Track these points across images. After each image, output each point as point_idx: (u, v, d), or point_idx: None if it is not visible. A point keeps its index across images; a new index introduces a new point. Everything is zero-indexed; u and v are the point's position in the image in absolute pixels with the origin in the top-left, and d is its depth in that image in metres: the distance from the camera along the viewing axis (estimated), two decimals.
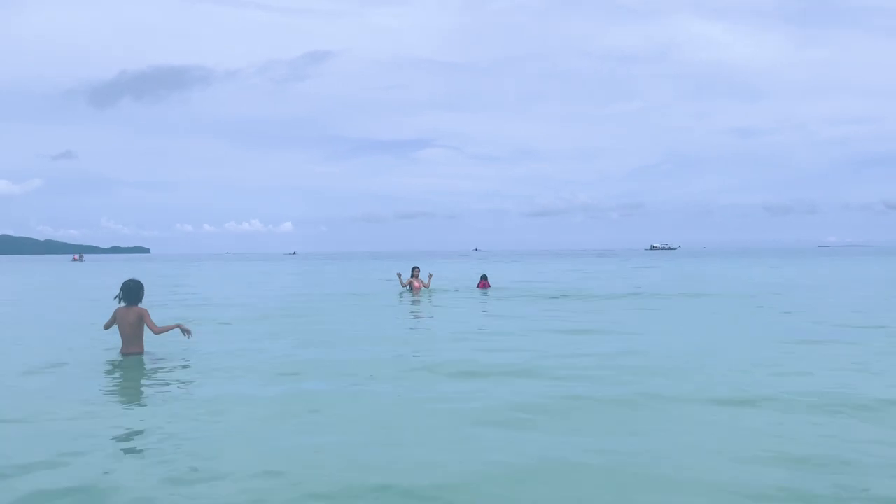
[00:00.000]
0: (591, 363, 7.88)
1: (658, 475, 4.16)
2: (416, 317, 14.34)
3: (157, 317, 8.48)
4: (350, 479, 4.12)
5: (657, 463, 4.35)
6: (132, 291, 8.35)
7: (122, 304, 8.36)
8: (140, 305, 8.40)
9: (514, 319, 13.12)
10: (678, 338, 10.28)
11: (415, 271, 20.32)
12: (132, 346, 8.31)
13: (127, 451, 4.69)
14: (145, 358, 8.22)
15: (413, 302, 17.42)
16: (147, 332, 8.32)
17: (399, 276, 20.38)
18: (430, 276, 20.81)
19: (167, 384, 6.91)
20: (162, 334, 8.39)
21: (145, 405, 6.13)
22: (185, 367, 7.82)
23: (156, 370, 7.65)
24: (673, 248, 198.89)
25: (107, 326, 8.55)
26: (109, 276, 38.03)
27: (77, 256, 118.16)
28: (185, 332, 8.33)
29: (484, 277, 22.37)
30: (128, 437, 5.04)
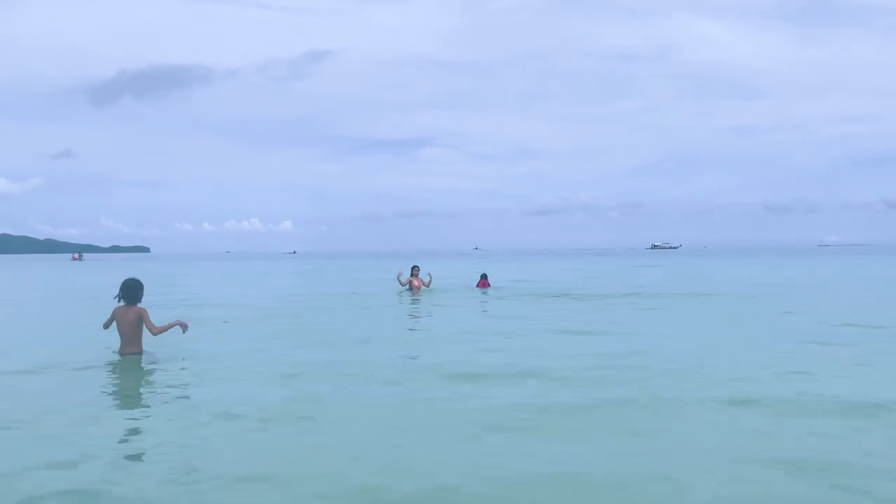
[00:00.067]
0: (593, 364, 7.86)
1: (661, 480, 4.12)
2: (417, 317, 14.31)
3: (156, 317, 8.45)
4: (350, 482, 4.10)
5: (660, 468, 4.32)
6: (131, 291, 8.32)
7: (122, 304, 8.34)
8: (139, 305, 8.39)
9: (514, 319, 13.09)
10: (679, 338, 10.25)
11: (415, 270, 20.29)
12: (131, 345, 8.28)
13: (125, 455, 4.65)
14: (144, 358, 8.20)
15: (413, 301, 17.39)
16: (146, 332, 8.29)
17: (399, 274, 20.35)
18: (430, 276, 20.78)
19: (166, 386, 6.87)
20: (161, 334, 8.35)
21: (144, 407, 6.11)
22: (183, 367, 7.80)
23: (154, 371, 7.63)
24: (674, 248, 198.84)
25: (106, 325, 8.52)
26: (109, 276, 37.97)
27: (76, 256, 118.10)
28: (183, 326, 8.33)
29: (484, 277, 22.35)
30: (126, 440, 5.02)
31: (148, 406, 6.14)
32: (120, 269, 50.79)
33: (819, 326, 11.64)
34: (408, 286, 19.87)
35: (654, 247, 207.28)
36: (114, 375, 7.49)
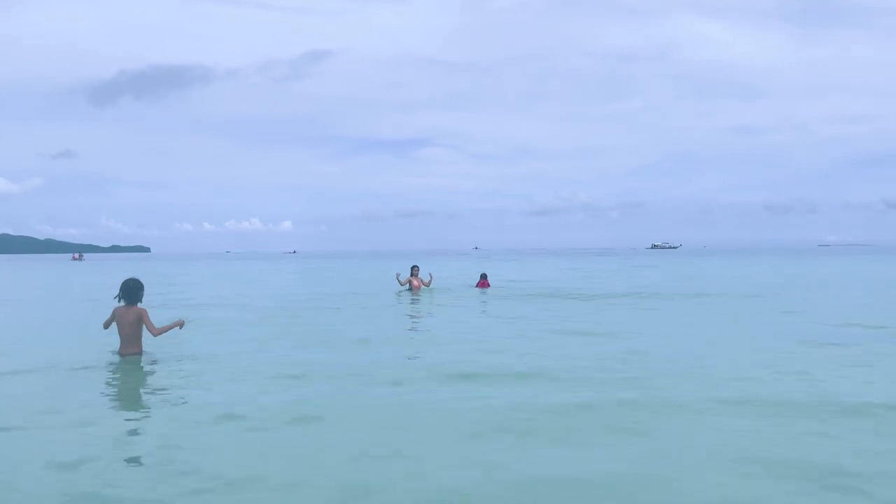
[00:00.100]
0: (593, 365, 7.84)
1: (661, 483, 4.11)
2: (416, 317, 14.29)
3: (156, 317, 8.44)
4: (350, 484, 4.08)
5: (661, 471, 4.30)
6: (131, 291, 8.30)
7: (122, 304, 8.32)
8: (140, 305, 8.37)
9: (514, 319, 13.07)
10: (680, 339, 10.23)
11: (414, 270, 20.27)
12: (130, 346, 8.27)
13: (125, 457, 4.63)
14: (143, 358, 8.19)
15: (412, 301, 17.37)
16: (147, 333, 8.27)
17: (397, 276, 20.34)
18: (431, 276, 20.76)
19: (166, 387, 6.86)
20: (162, 335, 8.34)
21: (143, 408, 6.10)
22: (183, 368, 7.77)
23: (154, 371, 7.62)
24: (674, 247, 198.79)
25: (106, 325, 8.51)
26: (108, 276, 37.93)
27: (76, 256, 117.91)
28: (179, 325, 8.34)
29: (483, 277, 22.32)
30: (126, 441, 5.00)
31: (148, 407, 6.13)
32: (120, 269, 50.74)
33: (819, 327, 11.62)
34: (407, 286, 19.85)
35: (654, 247, 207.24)
36: (113, 376, 7.47)
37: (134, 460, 4.54)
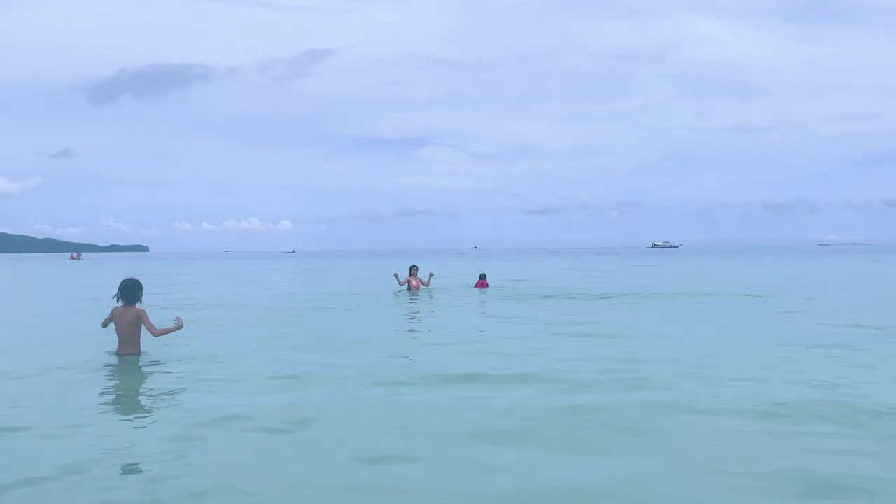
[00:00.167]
0: (594, 367, 7.78)
1: (662, 490, 4.04)
2: (415, 318, 14.24)
3: (154, 317, 8.37)
4: (349, 488, 4.04)
5: (661, 478, 4.23)
6: (130, 291, 8.24)
7: (120, 304, 8.25)
8: (138, 305, 8.29)
9: (513, 320, 13.03)
10: (681, 340, 10.18)
11: (413, 270, 20.18)
12: (129, 346, 8.20)
13: (121, 461, 4.54)
14: (141, 359, 8.13)
15: (411, 301, 17.30)
16: (145, 333, 8.20)
17: (396, 276, 20.25)
18: (431, 275, 20.66)
19: (164, 389, 6.78)
20: (162, 336, 8.26)
21: (140, 412, 6.04)
22: (182, 369, 7.71)
23: (152, 373, 7.55)
24: (674, 247, 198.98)
25: (104, 324, 8.48)
26: (106, 275, 37.89)
27: (75, 255, 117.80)
28: (179, 326, 8.27)
29: (483, 277, 22.23)
30: (122, 446, 4.89)
31: (145, 409, 6.08)
32: (118, 269, 50.74)
33: (821, 327, 11.59)
34: (406, 286, 19.76)
35: (655, 246, 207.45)
36: (112, 377, 7.41)
37: (131, 463, 4.48)
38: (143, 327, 8.19)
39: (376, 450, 4.75)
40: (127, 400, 6.48)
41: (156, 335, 8.11)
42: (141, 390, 6.87)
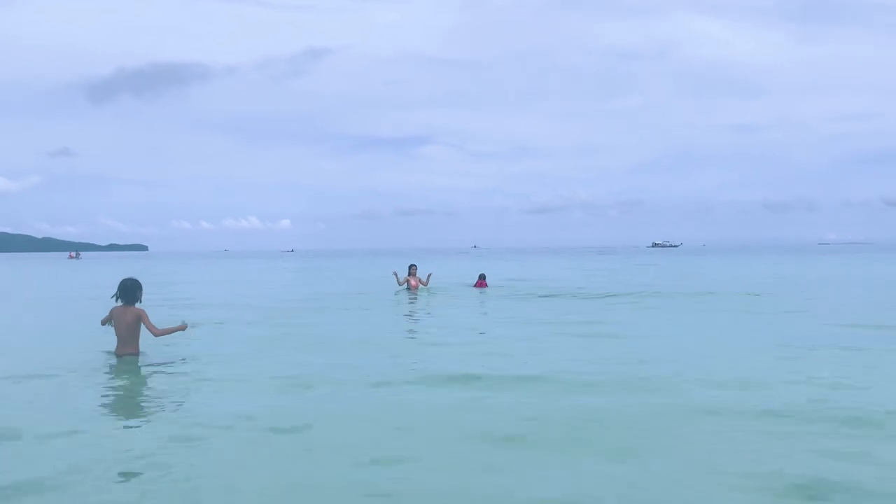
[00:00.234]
0: (594, 368, 7.74)
1: (663, 497, 3.99)
2: (415, 318, 14.21)
3: (154, 317, 8.32)
4: (347, 494, 3.99)
5: (661, 483, 4.18)
6: (129, 291, 8.20)
7: (120, 304, 8.19)
8: (138, 306, 8.23)
9: (513, 321, 13.00)
10: (682, 341, 10.17)
11: (412, 269, 20.11)
12: (128, 346, 8.16)
13: (117, 464, 4.47)
14: (140, 360, 8.09)
15: (410, 301, 17.26)
16: (144, 333, 8.15)
17: (395, 274, 20.18)
18: (430, 275, 20.58)
19: (161, 391, 6.72)
20: (163, 336, 8.21)
21: (138, 414, 5.98)
22: (179, 371, 7.65)
23: (150, 374, 7.50)
24: (675, 246, 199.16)
25: (103, 323, 8.45)
26: (105, 274, 37.85)
27: (73, 254, 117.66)
28: (182, 329, 8.23)
29: (482, 277, 22.16)
30: (119, 449, 4.80)
31: (143, 411, 6.04)
32: (116, 268, 50.72)
33: (822, 327, 11.56)
34: (405, 285, 19.70)
35: (655, 245, 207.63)
36: (110, 378, 7.36)
37: (130, 465, 4.43)
38: (143, 327, 8.14)
39: (376, 451, 4.71)
40: (126, 401, 6.44)
41: (156, 335, 8.07)
42: (140, 391, 6.83)
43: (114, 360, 8.06)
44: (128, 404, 6.33)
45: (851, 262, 47.21)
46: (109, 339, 8.52)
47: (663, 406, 5.88)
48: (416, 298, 17.80)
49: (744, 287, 21.96)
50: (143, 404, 6.30)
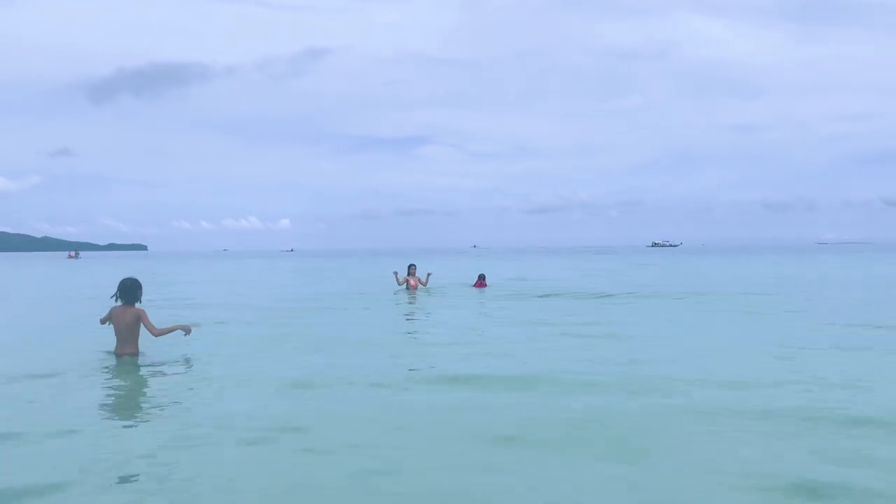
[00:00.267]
0: (595, 369, 7.73)
1: (664, 498, 3.98)
2: (414, 319, 14.19)
3: (153, 318, 8.28)
4: (347, 498, 3.97)
5: (662, 488, 4.14)
6: (129, 290, 8.17)
7: (119, 303, 8.17)
8: (138, 305, 8.20)
9: (513, 321, 12.98)
10: (683, 342, 10.17)
11: (411, 269, 20.08)
12: (127, 346, 8.14)
13: (114, 467, 4.41)
14: (139, 360, 8.06)
15: (409, 301, 17.24)
16: (143, 333, 8.13)
17: (395, 274, 20.14)
18: (429, 275, 20.55)
19: (161, 393, 6.68)
20: (162, 336, 8.18)
21: (136, 417, 5.93)
22: (178, 372, 7.63)
23: (149, 376, 7.47)
24: (674, 245, 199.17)
25: (102, 321, 8.44)
26: (104, 274, 37.81)
27: (72, 254, 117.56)
28: (185, 330, 8.19)
29: (481, 277, 22.13)
30: (115, 452, 4.75)
31: (143, 412, 6.02)
32: (115, 267, 50.69)
33: (822, 327, 11.54)
34: (404, 285, 19.66)
35: (655, 245, 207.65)
36: (109, 378, 7.33)
37: (128, 467, 4.40)
38: (142, 327, 8.11)
39: (376, 452, 4.70)
40: (125, 401, 6.42)
41: (156, 335, 8.04)
42: (139, 391, 6.81)
43: (113, 360, 8.04)
44: (127, 405, 6.31)
45: (851, 262, 47.17)
46: (108, 338, 8.49)
47: (663, 407, 5.87)
48: (415, 299, 17.77)
49: (744, 287, 21.97)
50: (142, 405, 6.28)
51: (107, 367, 7.78)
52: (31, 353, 9.12)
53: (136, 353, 8.16)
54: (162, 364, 7.90)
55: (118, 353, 8.14)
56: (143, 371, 7.65)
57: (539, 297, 18.46)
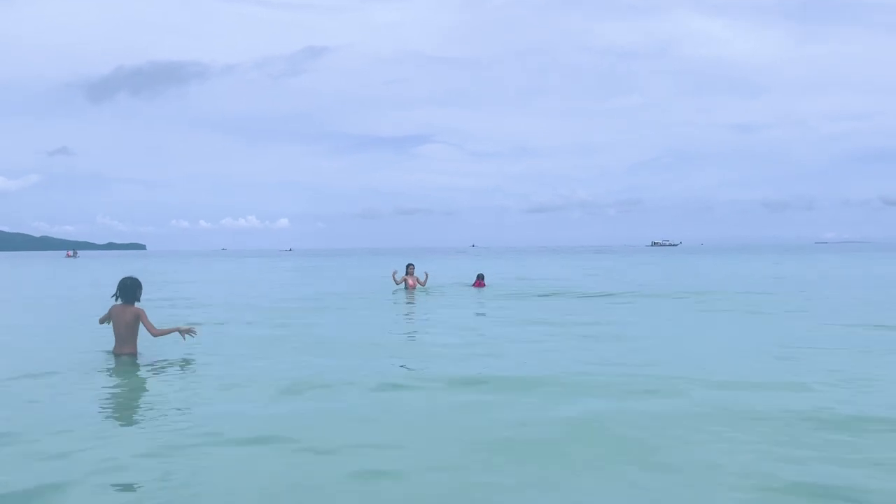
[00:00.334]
0: (595, 370, 7.70)
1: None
2: (413, 319, 14.18)
3: (152, 317, 8.26)
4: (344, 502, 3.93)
5: (662, 491, 4.11)
6: (129, 290, 8.15)
7: (119, 303, 8.15)
8: (137, 305, 8.17)
9: (512, 321, 12.97)
10: (683, 342, 10.17)
11: (409, 268, 20.05)
12: (125, 346, 8.12)
13: (110, 470, 4.37)
14: (138, 360, 8.04)
15: (408, 301, 17.22)
16: (142, 333, 8.10)
17: (394, 274, 20.10)
18: (427, 274, 20.52)
19: (159, 394, 6.63)
20: (161, 336, 8.14)
21: (134, 419, 5.90)
22: (178, 373, 7.61)
23: (148, 375, 7.44)
24: (674, 245, 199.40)
25: (101, 321, 8.42)
26: (102, 273, 37.76)
27: (71, 253, 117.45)
28: (185, 333, 8.12)
29: (480, 277, 22.10)
30: (115, 457, 4.67)
31: (141, 414, 6.00)
32: (113, 267, 50.62)
33: (822, 328, 11.52)
34: (403, 285, 19.62)
35: (654, 244, 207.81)
36: (107, 379, 7.31)
37: (125, 468, 4.38)
38: (141, 327, 8.08)
39: (375, 453, 4.69)
40: (123, 402, 6.40)
41: (155, 335, 8.02)
42: (138, 392, 6.78)
43: (112, 360, 8.02)
44: (126, 405, 6.29)
45: (850, 262, 47.19)
46: (107, 338, 8.47)
47: (663, 407, 5.86)
48: (413, 299, 17.73)
49: (743, 286, 21.96)
50: (141, 405, 6.26)
51: (105, 367, 7.76)
52: (30, 353, 9.09)
53: (134, 353, 8.14)
54: (161, 364, 7.88)
55: (117, 353, 8.11)
56: (141, 371, 7.62)
57: (538, 296, 18.44)
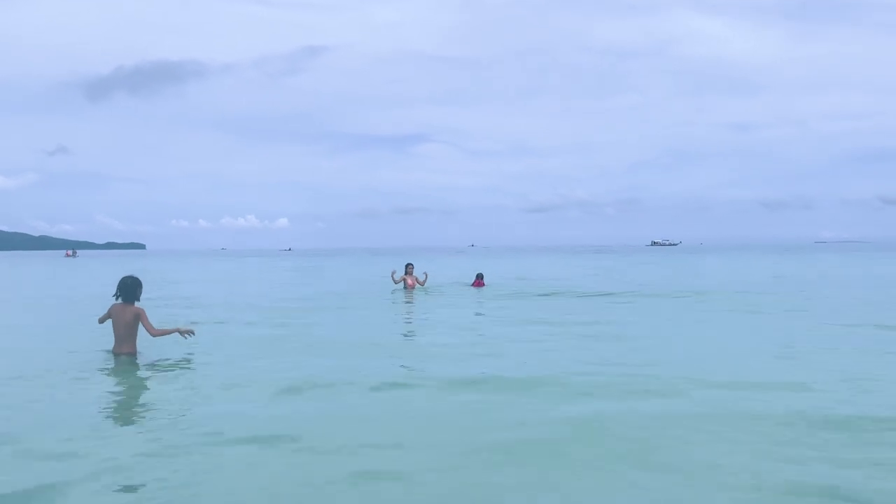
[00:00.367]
0: (594, 370, 7.70)
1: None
2: (412, 319, 14.18)
3: (151, 317, 8.24)
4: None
5: (663, 490, 4.12)
6: (129, 289, 8.14)
7: (119, 302, 8.13)
8: (137, 304, 8.16)
9: (511, 321, 12.97)
10: (684, 343, 10.17)
11: (409, 268, 20.03)
12: (125, 345, 8.11)
13: (112, 474, 4.35)
14: (137, 360, 8.03)
15: (407, 301, 17.20)
16: (142, 332, 8.09)
17: (393, 273, 20.09)
18: (426, 274, 20.51)
19: (158, 395, 6.63)
20: (161, 336, 8.13)
21: (133, 419, 5.89)
22: (177, 373, 7.59)
23: (148, 375, 7.44)
24: (674, 244, 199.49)
25: (101, 320, 8.41)
26: (102, 273, 37.73)
27: (70, 252, 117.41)
28: (185, 333, 8.11)
29: (479, 276, 22.09)
30: (113, 458, 4.66)
31: (140, 414, 6.00)
32: (113, 266, 50.57)
33: (822, 328, 11.55)
34: (402, 284, 19.61)
35: (654, 244, 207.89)
36: (106, 379, 7.31)
37: (124, 468, 4.37)
38: (140, 326, 8.07)
39: (375, 454, 4.69)
40: (122, 402, 6.39)
41: (154, 335, 8.01)
42: (137, 392, 6.78)
43: (111, 360, 8.01)
44: (125, 405, 6.28)
45: (849, 261, 47.20)
46: (107, 338, 8.46)
47: (663, 407, 5.86)
48: (412, 299, 17.72)
49: (743, 286, 21.96)
50: (140, 405, 6.26)
51: (105, 367, 7.75)
52: (30, 353, 9.08)
53: (133, 353, 8.13)
54: (160, 364, 7.87)
55: (116, 353, 8.11)
56: (141, 371, 7.62)
57: (538, 296, 18.44)
